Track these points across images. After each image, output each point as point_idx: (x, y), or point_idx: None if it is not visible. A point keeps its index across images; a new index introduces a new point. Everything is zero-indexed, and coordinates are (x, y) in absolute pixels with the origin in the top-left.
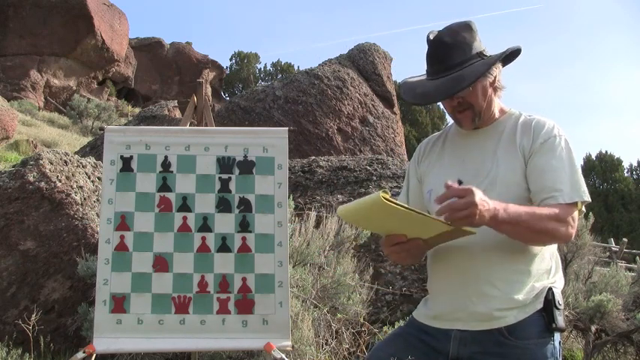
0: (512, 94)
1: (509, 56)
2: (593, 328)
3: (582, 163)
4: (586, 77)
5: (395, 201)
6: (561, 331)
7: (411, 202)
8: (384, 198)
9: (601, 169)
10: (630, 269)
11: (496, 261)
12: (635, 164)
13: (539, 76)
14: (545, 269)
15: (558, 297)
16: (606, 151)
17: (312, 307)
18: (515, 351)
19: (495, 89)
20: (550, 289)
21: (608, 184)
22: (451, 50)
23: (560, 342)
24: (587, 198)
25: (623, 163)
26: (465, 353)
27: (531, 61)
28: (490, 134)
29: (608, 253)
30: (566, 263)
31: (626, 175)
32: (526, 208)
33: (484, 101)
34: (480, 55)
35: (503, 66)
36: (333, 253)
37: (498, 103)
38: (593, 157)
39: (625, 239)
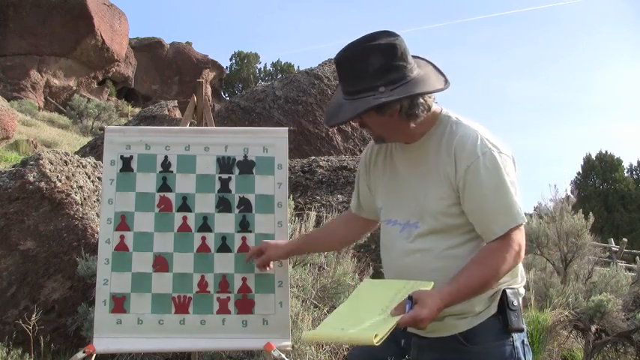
0: (511, 92)
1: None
2: (593, 328)
3: (582, 163)
4: (595, 75)
5: (382, 334)
6: (519, 331)
7: (364, 207)
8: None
9: (601, 169)
10: (630, 269)
11: (445, 271)
12: (635, 164)
13: (534, 74)
14: None
15: (512, 298)
16: (606, 151)
17: (312, 307)
18: (471, 356)
19: (410, 116)
20: (504, 291)
21: (608, 184)
22: (351, 75)
23: (523, 341)
24: (521, 220)
25: (623, 163)
26: (425, 359)
27: (532, 59)
28: (423, 150)
29: (608, 253)
30: (566, 263)
31: (626, 175)
32: (464, 276)
33: (383, 131)
34: (387, 84)
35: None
36: (333, 253)
37: (423, 118)
38: (593, 157)
39: (625, 239)
